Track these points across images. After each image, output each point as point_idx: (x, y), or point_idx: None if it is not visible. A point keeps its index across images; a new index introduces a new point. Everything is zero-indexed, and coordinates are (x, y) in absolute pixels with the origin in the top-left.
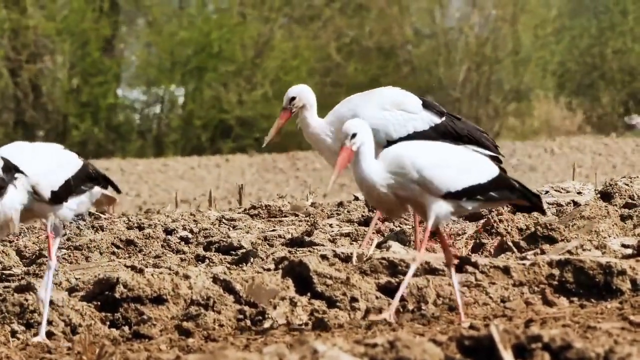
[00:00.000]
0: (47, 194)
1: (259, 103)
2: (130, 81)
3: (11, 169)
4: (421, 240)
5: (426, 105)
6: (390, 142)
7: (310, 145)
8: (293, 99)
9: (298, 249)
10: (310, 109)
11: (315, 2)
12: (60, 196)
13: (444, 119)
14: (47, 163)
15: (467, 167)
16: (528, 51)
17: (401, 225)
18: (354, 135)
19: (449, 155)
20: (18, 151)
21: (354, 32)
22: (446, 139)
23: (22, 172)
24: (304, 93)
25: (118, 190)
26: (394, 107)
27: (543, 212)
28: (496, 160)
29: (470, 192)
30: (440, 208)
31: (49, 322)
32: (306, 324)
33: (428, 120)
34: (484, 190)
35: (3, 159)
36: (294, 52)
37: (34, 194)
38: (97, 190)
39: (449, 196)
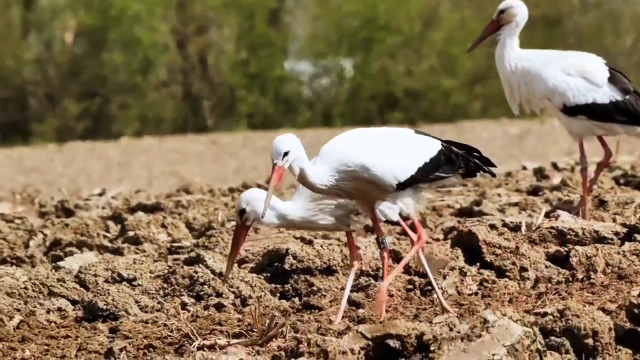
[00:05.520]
0: None
1: (425, 74)
2: (298, 53)
3: None
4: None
5: (613, 81)
6: (567, 107)
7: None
8: (502, 11)
9: (467, 219)
10: (514, 28)
11: None
12: None
13: (627, 97)
14: None
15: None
16: None
17: (569, 195)
18: (285, 154)
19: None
20: None
21: None
22: (625, 116)
23: None
24: (516, 8)
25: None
26: (577, 73)
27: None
28: None
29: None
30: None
31: (219, 294)
32: (476, 294)
33: (609, 95)
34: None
35: None
36: (461, 24)
37: None
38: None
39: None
